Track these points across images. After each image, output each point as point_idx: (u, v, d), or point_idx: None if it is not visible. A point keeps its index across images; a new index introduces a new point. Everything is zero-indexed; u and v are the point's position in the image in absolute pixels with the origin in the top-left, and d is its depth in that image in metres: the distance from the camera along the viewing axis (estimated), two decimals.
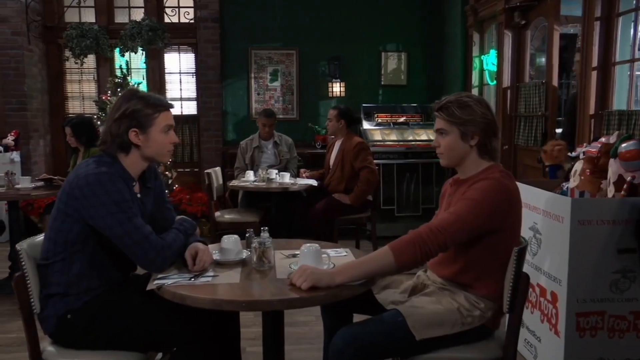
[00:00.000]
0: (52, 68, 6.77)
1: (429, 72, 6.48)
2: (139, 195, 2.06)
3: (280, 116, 6.42)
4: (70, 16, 6.76)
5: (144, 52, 6.61)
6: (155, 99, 2.05)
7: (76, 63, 6.46)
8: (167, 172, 6.47)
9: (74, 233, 1.91)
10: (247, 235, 2.25)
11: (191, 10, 6.54)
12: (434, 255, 1.85)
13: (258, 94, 6.43)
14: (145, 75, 6.90)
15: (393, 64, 6.45)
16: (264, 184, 4.68)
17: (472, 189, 1.93)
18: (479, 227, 1.87)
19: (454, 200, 1.98)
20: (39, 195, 4.18)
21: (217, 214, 4.71)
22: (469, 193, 1.92)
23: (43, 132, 6.61)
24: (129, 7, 6.81)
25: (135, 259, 1.92)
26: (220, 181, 4.96)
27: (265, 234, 2.18)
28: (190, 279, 1.84)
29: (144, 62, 6.59)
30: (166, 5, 6.60)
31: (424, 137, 5.91)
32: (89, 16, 6.77)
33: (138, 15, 6.55)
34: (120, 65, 6.36)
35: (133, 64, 6.70)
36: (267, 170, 4.84)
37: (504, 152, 5.01)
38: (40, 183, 4.37)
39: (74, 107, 6.94)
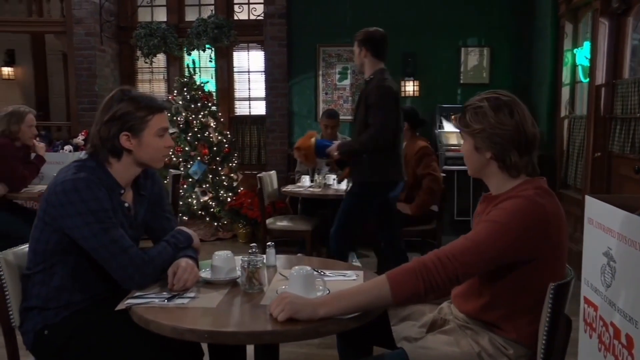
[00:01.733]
0: (125, 68, 7.03)
1: (515, 69, 6.00)
2: (126, 204, 1.95)
3: (349, 117, 6.22)
4: (143, 16, 6.99)
5: (212, 51, 6.69)
6: (148, 99, 1.94)
7: (146, 62, 6.66)
8: (232, 175, 6.50)
9: (53, 243, 1.83)
10: (249, 251, 2.08)
11: (259, 7, 6.52)
12: (442, 290, 1.57)
13: (326, 93, 6.27)
14: (214, 74, 6.99)
15: (474, 60, 6.05)
16: (320, 190, 4.51)
17: (497, 208, 1.63)
18: (501, 257, 1.57)
19: (480, 221, 1.69)
20: None
21: (269, 220, 4.60)
22: (492, 214, 1.63)
23: None
24: (199, 5, 6.93)
25: (113, 274, 1.81)
26: (276, 185, 4.85)
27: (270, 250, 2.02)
28: (165, 300, 1.70)
29: (209, 61, 6.64)
30: (235, 1, 6.63)
31: None
32: (161, 15, 6.97)
33: (209, 12, 6.63)
34: (188, 64, 6.47)
35: (203, 63, 6.80)
36: (324, 175, 4.67)
37: (596, 161, 4.49)
38: None
39: None
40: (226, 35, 6.24)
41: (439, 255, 1.56)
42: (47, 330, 1.85)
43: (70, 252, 1.83)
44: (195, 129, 6.24)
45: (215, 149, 6.27)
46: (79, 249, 1.83)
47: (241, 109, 7.10)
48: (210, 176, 6.27)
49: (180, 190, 6.17)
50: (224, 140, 6.39)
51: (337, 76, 6.21)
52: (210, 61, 6.58)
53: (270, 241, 4.68)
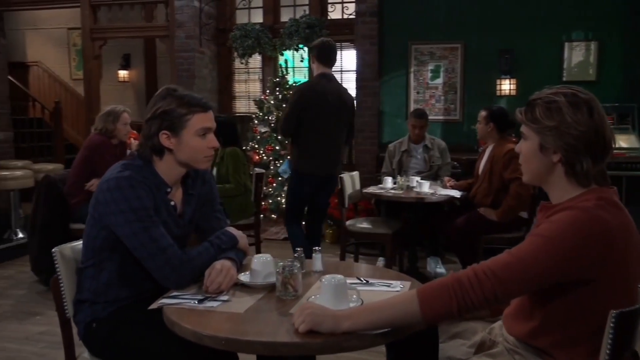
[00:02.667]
0: (222, 68, 7.26)
1: (627, 65, 5.45)
2: (172, 203, 1.96)
3: (441, 117, 6.00)
4: (241, 18, 7.18)
5: (305, 51, 6.73)
6: (190, 98, 1.91)
7: (242, 63, 6.83)
8: None
9: (101, 239, 1.87)
10: (295, 255, 2.02)
11: (352, 5, 6.45)
12: (477, 309, 1.41)
13: (417, 92, 6.08)
14: (307, 74, 7.02)
15: (579, 55, 5.57)
16: (402, 192, 4.36)
17: (549, 221, 1.44)
18: (548, 277, 1.38)
19: (530, 234, 1.50)
20: None
21: (349, 222, 4.53)
22: (542, 227, 1.44)
23: None
24: (294, 6, 6.99)
25: (152, 273, 1.82)
26: (358, 186, 4.76)
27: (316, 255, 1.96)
28: (196, 302, 1.68)
29: (300, 60, 6.67)
30: (328, 1, 6.61)
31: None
32: (258, 16, 7.12)
33: (303, 13, 6.68)
34: (280, 64, 6.55)
35: (296, 63, 6.86)
36: (406, 177, 4.51)
37: None
38: None
39: (240, 107, 7.36)
40: (318, 35, 6.23)
41: (476, 271, 1.40)
42: (95, 323, 1.90)
43: (117, 249, 1.87)
44: None
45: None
46: (125, 246, 1.86)
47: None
48: None
49: (270, 189, 6.28)
50: None
51: (429, 74, 5.99)
52: (302, 61, 6.61)
53: (352, 243, 4.69)
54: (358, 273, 1.96)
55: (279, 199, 6.22)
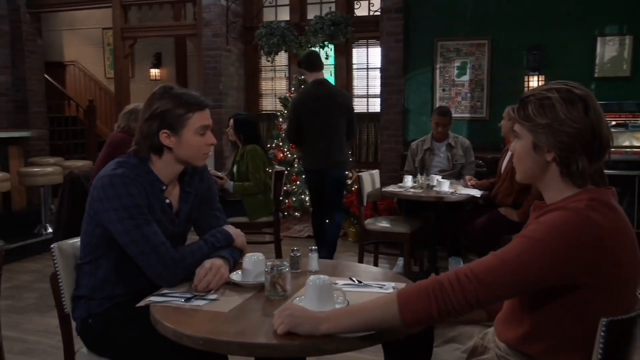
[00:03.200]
0: (249, 66, 7.28)
1: None
2: (167, 201, 1.96)
3: (467, 115, 5.88)
4: (268, 16, 7.18)
5: (331, 48, 6.69)
6: (189, 97, 1.91)
7: (268, 61, 6.83)
8: (347, 172, 6.45)
9: (97, 236, 1.89)
10: (291, 255, 2.00)
11: (377, 2, 6.38)
12: (460, 313, 1.35)
13: (443, 90, 5.97)
14: (333, 71, 6.98)
15: (612, 51, 5.36)
16: (421, 191, 4.28)
17: (537, 222, 1.38)
18: (534, 281, 1.32)
19: (516, 236, 1.44)
20: None
21: (368, 221, 4.48)
22: (529, 228, 1.38)
23: None
24: (321, 3, 6.96)
25: (144, 271, 1.82)
26: (378, 185, 4.70)
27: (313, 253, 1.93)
28: (184, 300, 1.67)
29: (326, 58, 6.62)
30: None
31: None
32: (285, 14, 7.11)
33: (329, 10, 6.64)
34: (320, 57, 6.51)
35: (324, 60, 6.81)
36: (427, 176, 4.43)
37: None
38: None
39: (267, 104, 7.37)
40: (342, 32, 6.19)
41: (458, 273, 1.35)
42: (90, 319, 1.92)
43: (113, 246, 1.87)
44: None
45: None
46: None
47: (360, 106, 7.02)
48: None
49: (293, 187, 6.27)
50: None
51: (456, 71, 5.88)
52: (327, 58, 6.56)
53: (372, 242, 4.64)
54: (354, 273, 1.92)
55: (302, 196, 6.20)
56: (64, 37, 10.31)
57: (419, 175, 4.43)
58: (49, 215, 5.86)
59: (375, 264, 4.72)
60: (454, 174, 4.85)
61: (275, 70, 7.24)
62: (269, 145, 6.58)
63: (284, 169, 5.06)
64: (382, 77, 6.05)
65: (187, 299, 1.68)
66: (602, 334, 1.28)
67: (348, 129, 4.61)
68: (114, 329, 1.86)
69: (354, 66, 6.95)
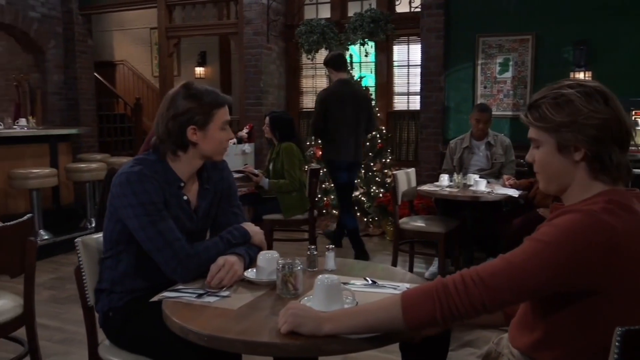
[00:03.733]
0: (290, 64, 7.31)
1: None
2: (185, 197, 1.98)
3: (509, 113, 5.72)
4: (309, 13, 7.19)
5: (372, 45, 6.64)
6: (212, 94, 1.96)
7: (308, 58, 6.84)
8: (385, 171, 6.39)
9: (117, 231, 1.93)
10: (307, 253, 1.99)
11: None
12: (465, 318, 1.31)
13: (484, 87, 5.82)
14: (373, 68, 6.93)
15: None
16: (458, 190, 4.20)
17: (549, 224, 1.32)
18: (542, 286, 1.26)
19: (527, 238, 1.38)
20: None
21: (403, 220, 4.42)
22: (541, 230, 1.32)
23: None
24: (362, 0, 6.91)
25: (160, 266, 1.85)
26: (413, 184, 4.63)
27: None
28: (196, 296, 1.69)
29: (365, 55, 6.58)
30: None
31: None
32: (326, 12, 7.10)
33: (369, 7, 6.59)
34: (346, 59, 6.48)
35: (364, 57, 6.77)
36: (463, 175, 4.34)
37: None
38: (239, 175, 4.70)
39: (307, 102, 7.38)
40: (382, 29, 6.12)
41: (464, 276, 1.30)
42: (111, 312, 1.96)
43: (132, 241, 1.90)
44: None
45: (368, 144, 6.22)
46: None
47: (400, 103, 6.94)
48: (363, 171, 6.24)
49: (332, 185, 6.25)
50: (378, 136, 6.30)
51: (498, 68, 5.72)
52: (366, 55, 6.52)
53: (407, 241, 4.58)
54: (371, 273, 1.90)
55: None
56: (114, 37, 10.62)
57: (454, 174, 4.34)
58: (94, 210, 6.05)
59: (411, 264, 4.66)
60: (494, 173, 4.73)
61: (315, 68, 7.24)
62: (308, 143, 6.59)
63: (319, 166, 5.05)
64: (422, 75, 5.96)
65: (199, 295, 1.69)
66: (616, 344, 1.22)
67: (367, 124, 5.05)
68: (133, 322, 1.90)
69: (395, 63, 6.87)
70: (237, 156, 6.47)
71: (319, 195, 6.27)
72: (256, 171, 4.66)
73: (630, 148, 1.39)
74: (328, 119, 4.79)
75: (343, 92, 4.87)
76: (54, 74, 8.03)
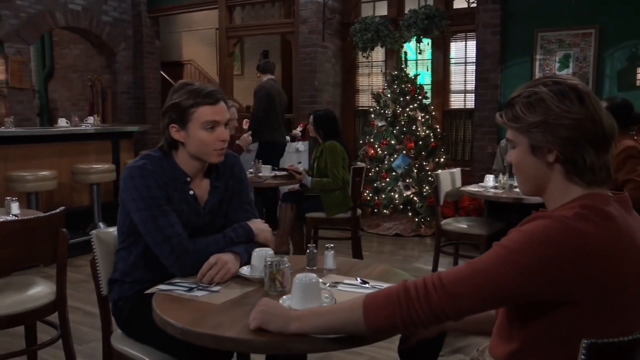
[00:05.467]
0: (346, 62, 7.31)
1: None
2: (191, 192, 2.02)
3: None
4: (366, 11, 7.16)
5: (428, 42, 6.52)
6: (197, 91, 1.91)
7: (363, 56, 6.81)
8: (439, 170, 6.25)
9: (127, 224, 2.00)
10: (307, 251, 2.00)
11: None
12: (427, 326, 1.26)
13: None
14: (430, 66, 6.81)
15: None
16: (502, 191, 4.06)
17: (517, 230, 1.26)
18: (507, 294, 1.20)
19: (495, 244, 1.33)
20: (269, 184, 4.60)
21: (446, 221, 4.32)
22: (510, 236, 1.26)
23: None
24: None
25: (161, 260, 1.91)
26: (458, 184, 4.52)
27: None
28: (187, 290, 1.74)
29: (418, 52, 6.47)
30: None
31: None
32: (383, 9, 7.04)
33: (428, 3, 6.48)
34: (401, 57, 6.41)
35: (420, 55, 6.68)
36: (510, 175, 4.19)
37: None
38: (283, 172, 4.77)
39: (363, 100, 7.35)
40: (437, 26, 6.00)
41: (426, 281, 1.26)
42: (121, 302, 2.04)
43: (140, 233, 1.98)
44: (403, 122, 6.17)
45: (421, 143, 6.12)
46: None
47: (456, 102, 6.78)
48: (415, 171, 6.15)
49: (383, 184, 6.21)
50: (431, 135, 6.19)
51: (557, 64, 5.47)
52: (420, 53, 6.42)
53: (450, 242, 4.47)
54: (369, 273, 1.88)
55: (392, 193, 6.12)
56: (183, 38, 11.01)
57: (500, 175, 4.20)
58: None
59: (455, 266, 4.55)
60: None
61: (371, 66, 7.20)
62: (361, 142, 6.57)
63: (364, 165, 5.02)
64: (476, 72, 5.80)
65: (190, 289, 1.74)
66: (582, 357, 1.15)
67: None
68: (139, 313, 1.97)
69: (452, 61, 6.71)
70: (291, 154, 6.56)
71: (370, 195, 6.24)
72: (300, 169, 4.69)
73: None
74: (269, 109, 5.99)
75: (274, 88, 6.20)
76: (123, 74, 8.46)
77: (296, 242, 4.75)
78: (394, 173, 6.16)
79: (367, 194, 6.26)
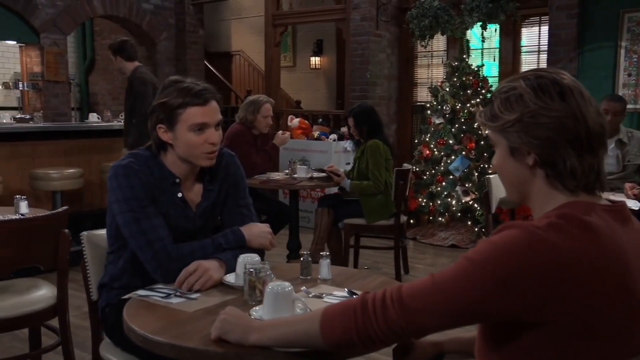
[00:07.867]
0: (403, 52, 7.29)
1: None
2: (179, 195, 2.10)
3: None
4: None
5: (496, 29, 6.42)
6: (188, 89, 1.96)
7: (422, 45, 6.77)
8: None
9: (114, 227, 2.10)
10: (301, 259, 2.05)
11: None
12: (387, 343, 1.28)
13: (629, 74, 5.37)
14: (497, 55, 6.69)
15: None
16: None
17: (485, 241, 1.25)
18: (471, 313, 1.20)
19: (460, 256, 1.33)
20: (303, 186, 4.66)
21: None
22: (476, 247, 1.26)
23: (386, 121, 7.17)
24: None
25: (144, 265, 2.01)
26: None
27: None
28: (164, 296, 1.83)
29: (483, 40, 6.36)
30: None
31: None
32: None
33: None
34: (463, 45, 6.34)
35: (486, 43, 6.58)
36: None
37: None
38: (321, 174, 4.83)
39: (422, 95, 7.31)
40: (502, 9, 5.89)
41: (385, 294, 1.28)
42: (107, 308, 2.16)
43: None
44: (462, 120, 6.11)
45: (483, 143, 6.03)
46: None
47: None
48: (476, 174, 6.06)
49: (438, 188, 6.16)
50: None
51: None
52: (483, 41, 6.31)
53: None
54: (364, 285, 1.91)
55: (449, 199, 6.06)
56: (232, 26, 11.29)
57: None
58: None
59: None
60: (627, 176, 4.35)
61: (432, 57, 7.15)
62: (416, 141, 6.54)
63: (410, 167, 5.01)
64: (548, 62, 5.66)
65: (167, 296, 1.82)
66: None
67: None
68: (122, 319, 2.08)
69: (523, 49, 6.57)
70: (338, 154, 6.61)
71: (424, 201, 6.20)
72: (340, 171, 4.73)
73: None
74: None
75: (149, 76, 5.59)
76: (165, 65, 8.78)
77: (333, 250, 4.77)
78: (451, 176, 6.10)
79: (421, 199, 6.22)
